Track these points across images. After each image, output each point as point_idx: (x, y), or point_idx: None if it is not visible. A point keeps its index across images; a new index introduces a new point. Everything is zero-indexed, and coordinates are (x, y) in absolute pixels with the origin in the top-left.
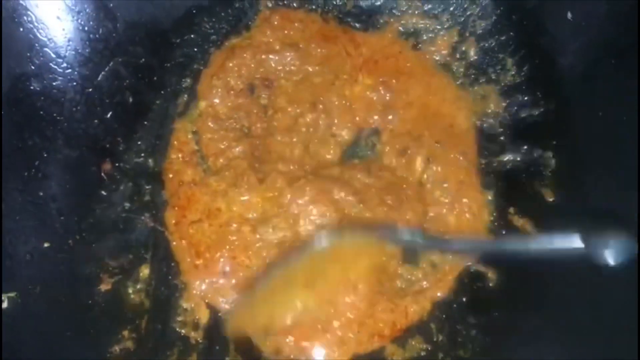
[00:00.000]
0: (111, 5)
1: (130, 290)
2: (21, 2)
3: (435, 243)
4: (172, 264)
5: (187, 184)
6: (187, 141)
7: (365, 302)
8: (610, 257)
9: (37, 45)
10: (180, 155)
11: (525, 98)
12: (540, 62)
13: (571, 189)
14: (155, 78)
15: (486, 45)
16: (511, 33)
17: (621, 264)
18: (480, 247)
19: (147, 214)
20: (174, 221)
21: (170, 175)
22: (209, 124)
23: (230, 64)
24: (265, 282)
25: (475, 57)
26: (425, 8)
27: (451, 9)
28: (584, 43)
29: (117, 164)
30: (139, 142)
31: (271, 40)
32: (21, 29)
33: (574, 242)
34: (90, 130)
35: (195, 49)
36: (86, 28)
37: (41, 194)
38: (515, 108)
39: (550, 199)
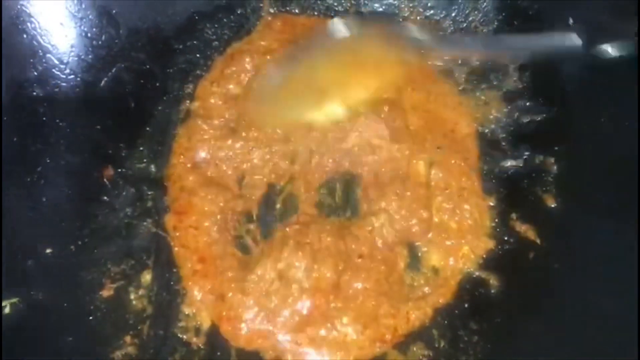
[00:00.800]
0: (114, 11)
1: (132, 296)
2: (25, 8)
3: (442, 42)
4: (174, 270)
5: (187, 190)
6: (189, 146)
7: (371, 299)
8: (610, 49)
9: (40, 51)
10: (182, 161)
11: (527, 104)
12: (541, 68)
13: (573, 195)
14: (157, 84)
15: None
16: None
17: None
18: (486, 44)
19: (149, 219)
20: (173, 225)
21: (172, 181)
22: (198, 122)
23: (229, 71)
24: (285, 74)
25: (477, 63)
26: (427, 14)
27: (453, 14)
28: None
29: (119, 170)
30: (141, 148)
31: (271, 43)
32: (25, 35)
33: (573, 38)
34: (93, 136)
35: (198, 55)
36: (89, 34)
37: (44, 199)
38: (517, 114)
39: (552, 205)
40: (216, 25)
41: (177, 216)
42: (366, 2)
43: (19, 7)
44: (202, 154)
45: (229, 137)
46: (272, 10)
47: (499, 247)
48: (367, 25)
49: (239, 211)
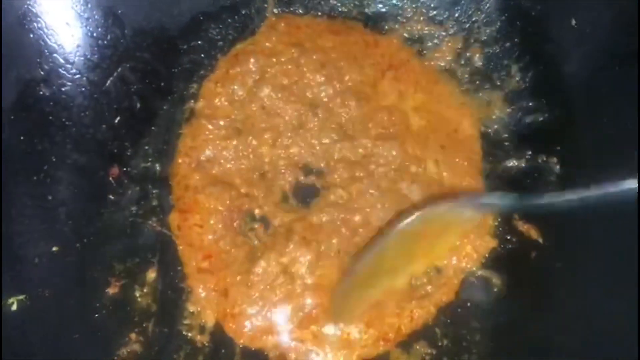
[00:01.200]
0: (119, 12)
1: (137, 294)
2: (31, 8)
3: (530, 201)
4: (179, 268)
5: (192, 189)
6: (194, 146)
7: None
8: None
9: (46, 51)
10: (186, 160)
11: (530, 104)
12: (544, 68)
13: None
14: (162, 84)
15: (491, 51)
16: (516, 40)
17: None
18: (573, 200)
19: (154, 218)
20: (177, 223)
21: (177, 180)
22: (203, 121)
23: (233, 72)
24: (359, 270)
25: (480, 64)
26: (430, 15)
27: (456, 15)
28: (588, 50)
29: (124, 169)
30: (147, 147)
31: (275, 44)
32: (31, 35)
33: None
34: (99, 135)
35: (202, 55)
36: (95, 34)
37: (50, 198)
38: (520, 114)
39: None
40: (221, 26)
41: (181, 215)
42: (369, 2)
43: (25, 6)
44: (207, 153)
45: (234, 137)
46: (276, 11)
47: (502, 246)
48: (440, 209)
49: (245, 209)
